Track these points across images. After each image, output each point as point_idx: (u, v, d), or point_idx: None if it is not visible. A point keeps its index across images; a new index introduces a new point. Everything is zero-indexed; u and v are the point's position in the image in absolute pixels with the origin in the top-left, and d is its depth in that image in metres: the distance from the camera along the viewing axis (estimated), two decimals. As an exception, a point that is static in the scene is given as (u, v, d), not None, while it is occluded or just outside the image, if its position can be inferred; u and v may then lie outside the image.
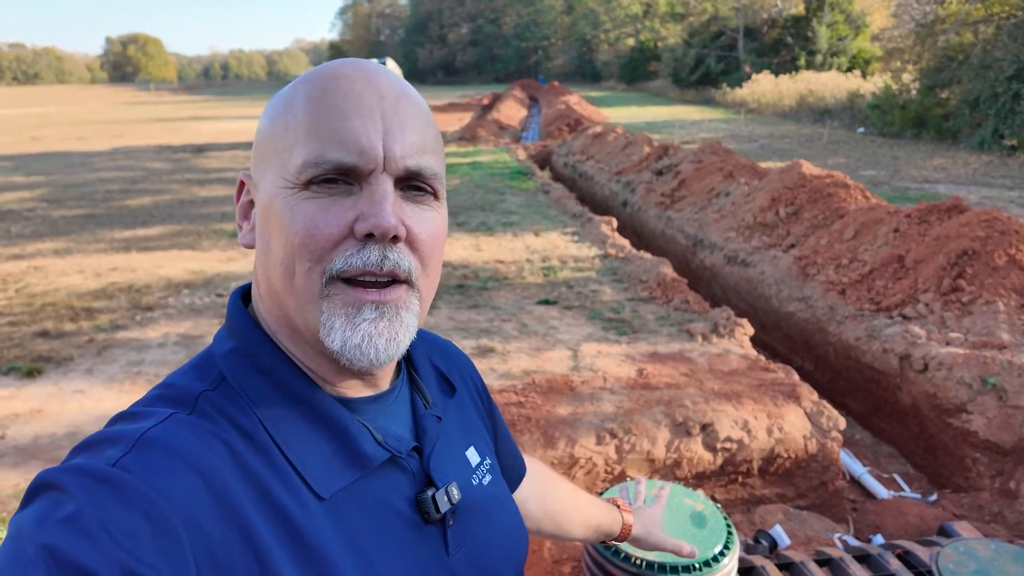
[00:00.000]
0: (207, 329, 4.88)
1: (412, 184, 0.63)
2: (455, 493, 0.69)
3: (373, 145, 0.59)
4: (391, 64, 21.06)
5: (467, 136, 19.67)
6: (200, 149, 18.19)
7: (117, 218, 9.28)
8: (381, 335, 0.60)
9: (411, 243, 0.62)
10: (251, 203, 0.67)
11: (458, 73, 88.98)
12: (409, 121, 0.62)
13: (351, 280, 0.60)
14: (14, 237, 8.15)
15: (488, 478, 0.78)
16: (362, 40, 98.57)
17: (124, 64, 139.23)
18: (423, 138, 0.63)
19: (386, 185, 0.60)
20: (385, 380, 0.70)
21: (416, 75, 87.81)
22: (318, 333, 0.60)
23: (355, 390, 0.67)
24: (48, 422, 3.61)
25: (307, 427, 0.62)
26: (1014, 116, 15.66)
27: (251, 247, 0.66)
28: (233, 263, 6.81)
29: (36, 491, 0.51)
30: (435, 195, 0.65)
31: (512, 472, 0.93)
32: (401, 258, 0.60)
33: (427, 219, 0.63)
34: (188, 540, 0.50)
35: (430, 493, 0.67)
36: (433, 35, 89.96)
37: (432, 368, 0.81)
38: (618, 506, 1.14)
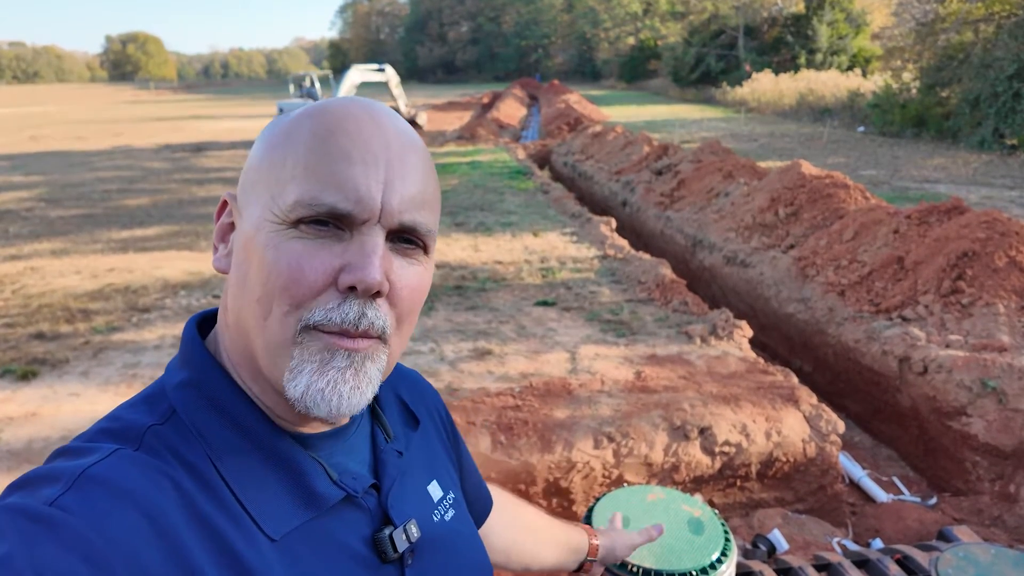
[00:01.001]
0: (204, 331, 4.87)
1: (404, 237, 0.61)
2: (414, 531, 0.67)
3: (372, 195, 0.57)
4: (389, 71, 20.96)
5: (466, 135, 19.65)
6: (199, 148, 18.17)
7: (115, 218, 9.26)
8: (347, 382, 0.58)
9: (391, 297, 0.60)
10: (231, 225, 0.65)
11: (458, 72, 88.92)
12: (411, 174, 0.60)
13: (319, 328, 0.58)
14: (11, 237, 8.13)
15: (451, 513, 0.76)
16: (362, 39, 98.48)
17: (124, 63, 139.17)
18: (423, 192, 0.61)
19: (377, 238, 0.58)
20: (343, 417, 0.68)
21: (416, 74, 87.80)
22: (281, 378, 0.58)
23: (312, 426, 0.64)
24: (43, 425, 3.59)
25: (259, 465, 0.60)
26: (1014, 115, 15.63)
27: (224, 272, 0.64)
28: (231, 264, 6.79)
29: None
30: (425, 250, 0.63)
31: (478, 505, 0.92)
32: (378, 316, 0.58)
33: (412, 275, 0.62)
34: None
35: (387, 532, 0.65)
36: (433, 33, 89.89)
37: (396, 400, 0.79)
38: (586, 531, 1.14)
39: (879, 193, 9.12)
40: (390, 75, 21.24)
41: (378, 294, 0.58)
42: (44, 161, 15.90)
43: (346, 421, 0.68)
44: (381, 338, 0.60)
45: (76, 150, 18.22)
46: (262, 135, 0.64)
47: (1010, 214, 6.43)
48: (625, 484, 3.24)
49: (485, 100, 38.38)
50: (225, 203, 0.66)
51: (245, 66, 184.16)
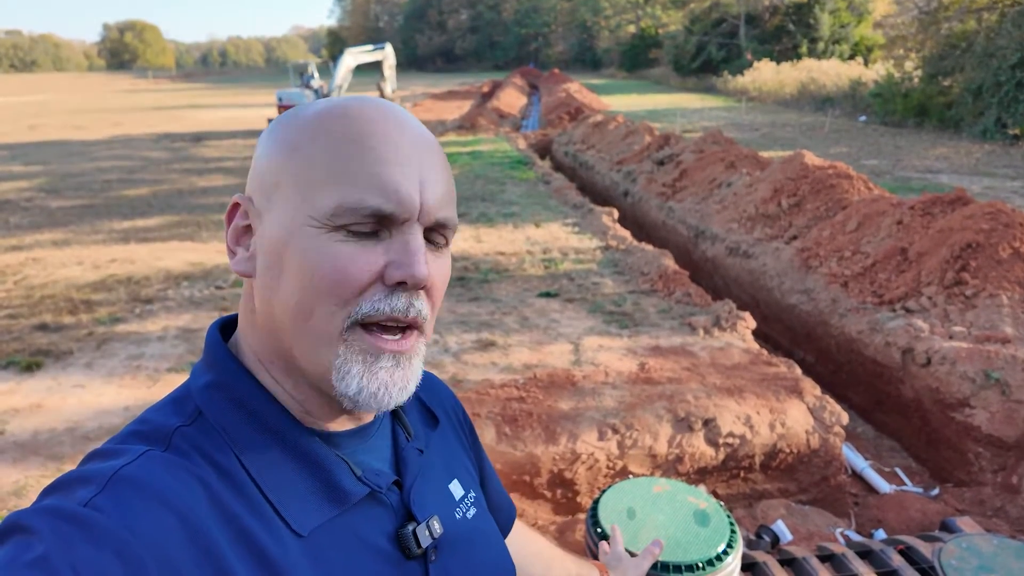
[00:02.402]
0: (207, 322, 4.86)
1: (433, 233, 0.64)
2: (437, 527, 0.68)
3: (411, 196, 0.59)
4: (388, 50, 20.60)
5: (466, 125, 19.57)
6: (199, 138, 18.10)
7: (116, 209, 9.24)
8: (396, 384, 0.61)
9: (427, 289, 0.63)
10: (247, 228, 0.64)
11: (457, 60, 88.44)
12: (439, 173, 0.63)
13: (368, 326, 0.60)
14: (12, 228, 8.12)
15: (473, 511, 0.77)
16: (360, 26, 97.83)
17: (122, 51, 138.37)
18: (448, 189, 0.64)
19: (419, 235, 0.60)
20: (368, 413, 0.69)
21: (415, 62, 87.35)
22: (328, 376, 0.59)
23: (337, 424, 0.66)
24: (48, 417, 3.60)
25: (285, 463, 0.61)
26: (1017, 105, 15.58)
27: (247, 275, 0.64)
28: (232, 254, 6.78)
29: (5, 534, 0.50)
30: (447, 243, 0.66)
31: (501, 515, 0.92)
32: (423, 306, 0.62)
33: (442, 266, 0.65)
34: None
35: (411, 528, 0.66)
36: (432, 22, 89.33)
37: (415, 400, 0.80)
38: (598, 568, 1.12)
39: (881, 183, 9.09)
40: (388, 53, 20.68)
41: (422, 287, 0.61)
42: (43, 151, 15.85)
43: (369, 419, 0.69)
44: (421, 328, 0.63)
45: (75, 139, 18.16)
46: (274, 135, 0.64)
47: (1013, 204, 6.42)
48: (630, 475, 3.25)
49: (485, 89, 38.22)
50: (236, 205, 0.65)
51: (243, 54, 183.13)
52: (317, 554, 0.59)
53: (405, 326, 0.61)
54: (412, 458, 0.72)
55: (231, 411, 0.62)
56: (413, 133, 0.62)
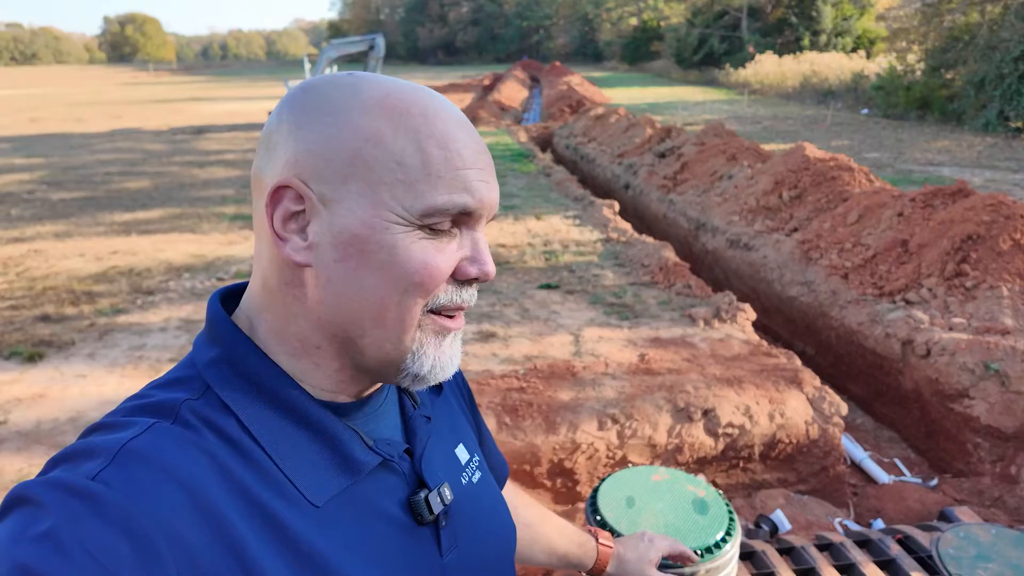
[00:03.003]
0: (208, 313, 4.87)
1: None
2: (447, 494, 0.69)
3: (490, 195, 0.64)
4: (379, 41, 19.37)
5: (468, 117, 19.47)
6: (199, 131, 18.08)
7: (117, 201, 9.24)
8: (456, 356, 0.66)
9: None
10: (299, 214, 0.60)
11: (458, 53, 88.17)
12: (494, 171, 0.67)
13: (435, 310, 0.64)
14: (14, 220, 8.13)
15: (478, 475, 0.79)
16: (361, 19, 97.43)
17: (122, 44, 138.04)
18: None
19: (484, 233, 0.65)
20: (375, 384, 0.70)
21: (416, 55, 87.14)
22: (403, 359, 0.63)
23: (347, 395, 0.66)
24: (51, 407, 3.62)
25: (297, 435, 0.61)
26: (1020, 98, 15.53)
27: (304, 266, 0.61)
28: (234, 246, 6.79)
29: (11, 505, 0.50)
30: None
31: (494, 472, 0.93)
32: (475, 294, 0.67)
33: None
34: (171, 556, 0.49)
35: (423, 495, 0.67)
36: (433, 14, 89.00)
37: None
38: (597, 538, 1.11)
39: (883, 176, 9.08)
40: (378, 44, 19.16)
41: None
42: (44, 143, 15.84)
43: (378, 388, 0.71)
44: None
45: (76, 132, 18.14)
46: (332, 116, 0.60)
47: (1014, 197, 6.42)
48: (630, 465, 3.27)
49: (486, 82, 38.10)
50: (284, 188, 0.60)
51: (244, 48, 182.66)
52: (333, 524, 0.60)
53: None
54: (420, 426, 0.73)
55: (240, 385, 0.61)
56: (475, 132, 0.66)
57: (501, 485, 0.96)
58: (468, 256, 0.63)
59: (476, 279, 0.64)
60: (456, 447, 0.78)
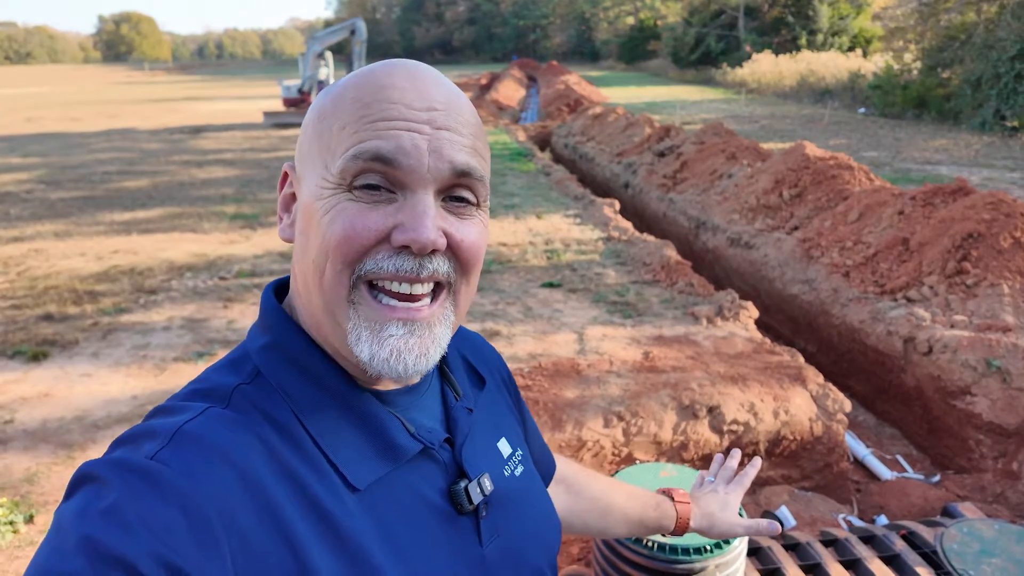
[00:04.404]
0: (211, 312, 4.87)
1: (455, 195, 0.62)
2: (487, 484, 0.69)
3: (416, 144, 0.58)
4: (359, 25, 18.88)
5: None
6: (197, 130, 18.05)
7: (116, 200, 9.23)
8: (411, 351, 0.60)
9: (453, 250, 0.62)
10: (293, 196, 0.67)
11: (455, 52, 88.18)
12: (458, 128, 0.61)
13: (376, 292, 0.60)
14: (13, 219, 8.11)
15: (520, 469, 0.78)
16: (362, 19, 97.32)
17: (117, 43, 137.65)
18: (472, 143, 0.62)
19: (428, 198, 0.59)
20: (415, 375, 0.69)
21: (412, 54, 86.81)
22: (346, 339, 0.60)
23: (386, 383, 0.67)
24: (56, 406, 3.62)
25: (341, 420, 0.62)
26: (1016, 97, 15.59)
27: (290, 241, 0.66)
28: (235, 246, 6.79)
29: (78, 482, 0.52)
30: (478, 203, 0.64)
31: (541, 466, 0.93)
32: (440, 264, 0.61)
33: (469, 228, 0.63)
34: (223, 533, 0.51)
35: (463, 484, 0.67)
36: (430, 13, 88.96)
37: (462, 361, 0.81)
38: (672, 497, 1.08)
39: (881, 175, 9.11)
40: (359, 28, 18.93)
41: (434, 251, 0.59)
42: (41, 143, 15.79)
43: (417, 379, 0.70)
44: (449, 284, 0.63)
45: (73, 131, 18.09)
46: (313, 105, 0.66)
47: (1012, 195, 6.44)
48: (636, 462, 3.28)
49: (483, 81, 38.09)
50: (286, 174, 0.68)
51: (240, 47, 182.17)
52: (373, 507, 0.61)
53: (415, 295, 0.60)
54: (462, 417, 0.73)
55: (288, 371, 0.63)
56: (433, 89, 0.61)
57: (548, 480, 0.96)
58: (402, 222, 0.58)
59: (409, 248, 0.58)
60: (499, 441, 0.78)
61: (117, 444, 0.56)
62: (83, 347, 4.35)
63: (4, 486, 2.90)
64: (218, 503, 0.52)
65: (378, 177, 0.58)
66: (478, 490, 0.68)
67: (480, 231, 0.64)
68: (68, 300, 5.21)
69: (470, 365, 0.82)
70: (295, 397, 0.62)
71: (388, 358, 0.59)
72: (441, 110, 0.60)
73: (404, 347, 0.59)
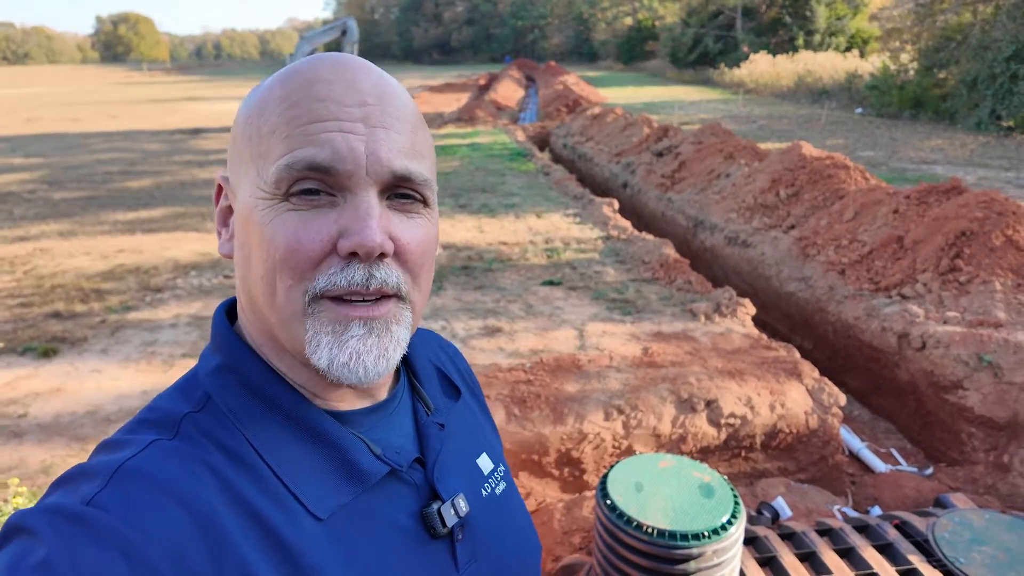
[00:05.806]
0: (217, 310, 4.93)
1: (400, 192, 0.58)
2: (463, 505, 0.65)
3: (352, 147, 0.54)
4: (351, 24, 18.52)
5: (465, 117, 19.59)
6: (197, 131, 18.11)
7: (119, 200, 9.29)
8: (370, 352, 0.57)
9: (400, 255, 0.58)
10: (230, 208, 0.62)
11: (453, 53, 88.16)
12: (395, 124, 0.57)
13: (335, 298, 0.56)
14: (17, 219, 8.17)
15: (502, 486, 0.74)
16: (355, 19, 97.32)
17: (115, 44, 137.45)
18: (411, 141, 0.58)
19: (371, 198, 0.55)
20: (382, 390, 0.67)
21: (411, 55, 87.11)
22: (304, 350, 0.56)
23: (349, 402, 0.64)
24: (68, 400, 3.69)
25: (299, 444, 0.59)
26: (1012, 97, 15.69)
27: (230, 257, 0.62)
28: (238, 245, 6.85)
29: (8, 535, 0.49)
30: (425, 202, 0.60)
31: None
32: (389, 274, 0.57)
33: (416, 229, 0.59)
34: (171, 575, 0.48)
35: (435, 507, 0.63)
36: (428, 14, 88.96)
37: (434, 371, 0.77)
38: None
39: (877, 174, 9.19)
40: (350, 27, 18.37)
41: (382, 255, 0.56)
42: (42, 143, 15.84)
43: (384, 396, 0.67)
44: (399, 296, 0.59)
45: (73, 132, 18.13)
46: (240, 108, 0.61)
47: (1006, 195, 6.53)
48: (636, 454, 3.36)
49: (482, 82, 38.17)
50: (221, 186, 0.64)
51: (238, 47, 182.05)
52: (339, 536, 0.57)
53: (377, 296, 0.57)
54: (433, 433, 0.69)
55: (240, 394, 0.59)
56: (364, 88, 0.57)
57: None
58: (345, 226, 0.54)
59: (357, 254, 0.55)
60: (478, 456, 0.74)
61: (54, 487, 0.53)
62: (92, 344, 4.43)
63: (21, 477, 2.98)
64: (164, 546, 0.48)
65: (315, 183, 0.55)
66: (452, 512, 0.64)
67: (427, 231, 0.61)
68: (75, 298, 5.28)
69: (443, 374, 0.79)
70: (248, 423, 0.58)
71: (347, 362, 0.56)
72: (373, 104, 0.57)
73: (363, 348, 0.56)
